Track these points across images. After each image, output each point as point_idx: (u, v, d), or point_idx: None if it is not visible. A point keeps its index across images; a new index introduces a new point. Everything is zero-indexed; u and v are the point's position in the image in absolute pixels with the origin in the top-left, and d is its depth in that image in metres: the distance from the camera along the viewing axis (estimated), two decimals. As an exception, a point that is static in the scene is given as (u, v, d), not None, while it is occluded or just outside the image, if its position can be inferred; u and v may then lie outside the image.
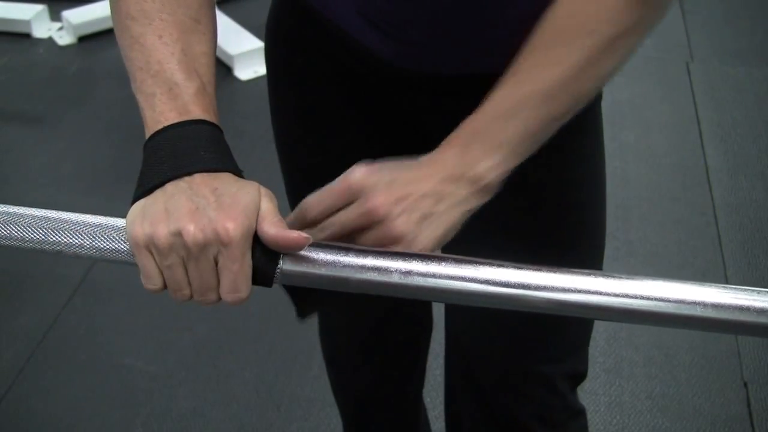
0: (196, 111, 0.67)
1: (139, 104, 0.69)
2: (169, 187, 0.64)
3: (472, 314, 0.98)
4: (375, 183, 0.68)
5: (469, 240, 0.92)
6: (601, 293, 0.61)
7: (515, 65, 0.72)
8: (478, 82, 0.84)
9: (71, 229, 0.66)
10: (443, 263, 0.63)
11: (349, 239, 0.68)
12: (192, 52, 0.70)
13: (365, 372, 1.21)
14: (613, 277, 0.61)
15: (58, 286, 1.97)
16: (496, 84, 0.73)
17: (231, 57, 2.75)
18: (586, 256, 0.94)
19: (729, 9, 3.18)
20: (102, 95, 2.68)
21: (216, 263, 0.63)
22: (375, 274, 0.63)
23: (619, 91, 2.62)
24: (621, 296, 0.60)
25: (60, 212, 0.68)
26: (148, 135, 0.67)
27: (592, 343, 1.04)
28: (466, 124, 0.72)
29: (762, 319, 0.58)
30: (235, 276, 0.63)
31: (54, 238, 0.66)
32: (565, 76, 0.70)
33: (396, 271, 0.63)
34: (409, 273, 0.63)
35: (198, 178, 0.64)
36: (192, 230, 0.61)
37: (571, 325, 0.97)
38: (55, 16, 3.03)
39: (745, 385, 1.73)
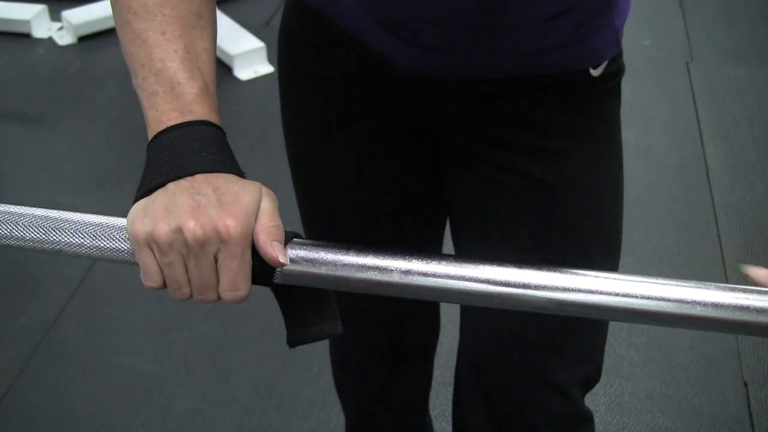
0: (199, 111, 0.67)
1: (141, 101, 0.69)
2: (171, 186, 0.64)
3: (484, 320, 0.97)
4: None
5: (485, 246, 0.92)
6: (601, 293, 0.61)
7: None
8: (496, 87, 0.84)
9: (71, 229, 0.66)
10: (444, 262, 0.63)
11: None
12: (195, 49, 0.70)
13: (374, 376, 1.20)
14: (613, 276, 0.61)
15: (58, 286, 1.97)
16: None
17: (231, 57, 2.75)
18: (600, 266, 0.93)
19: (729, 9, 3.18)
20: (102, 95, 2.68)
21: (216, 261, 0.63)
22: (375, 274, 0.63)
23: (619, 91, 2.61)
24: (621, 296, 0.60)
25: (60, 211, 0.68)
26: (150, 135, 0.67)
27: (592, 342, 1.03)
28: None
29: (762, 319, 0.58)
30: (235, 274, 0.63)
31: (54, 238, 0.66)
32: None
33: (396, 270, 0.63)
34: (409, 272, 0.63)
35: (200, 177, 0.64)
36: (192, 227, 0.61)
37: (585, 331, 0.95)
38: (55, 16, 3.03)
39: (745, 385, 1.73)
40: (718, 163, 2.37)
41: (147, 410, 1.68)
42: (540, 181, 0.87)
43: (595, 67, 0.84)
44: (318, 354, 1.78)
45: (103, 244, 0.66)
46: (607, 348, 1.03)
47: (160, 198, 0.64)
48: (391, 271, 0.63)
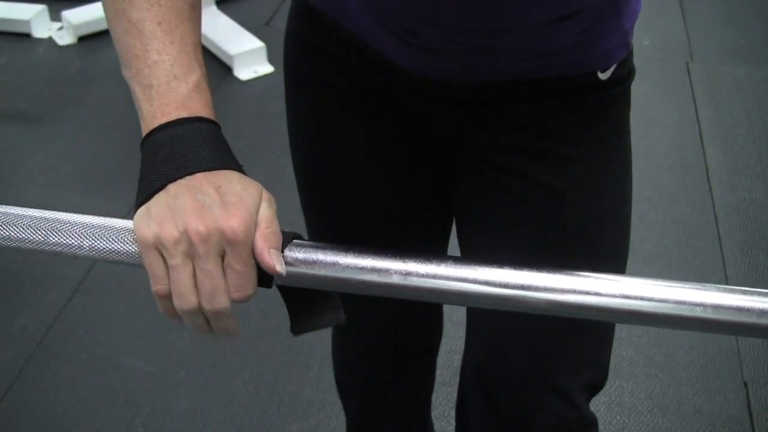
0: (195, 107, 0.66)
1: (134, 93, 0.68)
2: (172, 187, 0.63)
3: (490, 324, 0.96)
4: None
5: (490, 250, 0.91)
6: (600, 294, 0.60)
7: None
8: (502, 90, 0.82)
9: (70, 230, 0.66)
10: (443, 264, 0.63)
11: None
12: (190, 41, 0.69)
13: (376, 380, 1.20)
14: (613, 278, 0.61)
15: (58, 286, 1.97)
16: None
17: (231, 57, 2.75)
18: (607, 272, 0.91)
19: (729, 9, 3.18)
20: (102, 95, 2.68)
21: (222, 262, 0.62)
22: (374, 276, 0.63)
23: (619, 91, 2.62)
24: (620, 297, 0.60)
25: (59, 213, 0.68)
26: (145, 130, 0.66)
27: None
28: None
29: (762, 321, 0.58)
30: (241, 276, 0.63)
31: (53, 239, 0.66)
32: None
33: (395, 272, 0.63)
34: (408, 274, 0.63)
35: (200, 176, 0.64)
36: (198, 228, 0.61)
37: (590, 336, 0.94)
38: (55, 16, 3.03)
39: (745, 385, 1.73)
40: (718, 163, 2.37)
41: (147, 410, 1.68)
42: (546, 185, 0.85)
43: (603, 71, 0.82)
44: (318, 354, 1.78)
45: (102, 245, 0.66)
46: (607, 348, 1.02)
47: (162, 200, 0.63)
48: (390, 272, 0.63)
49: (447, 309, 1.22)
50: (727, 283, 1.98)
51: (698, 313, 0.58)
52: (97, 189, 2.27)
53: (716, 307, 0.58)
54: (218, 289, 0.63)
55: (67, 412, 1.69)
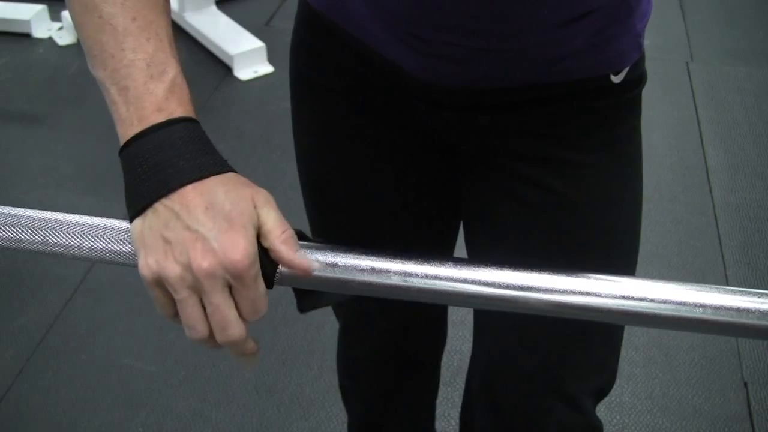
0: (171, 107, 0.64)
1: (108, 94, 0.65)
2: (161, 208, 0.61)
3: (498, 329, 0.95)
4: None
5: (498, 255, 0.90)
6: (600, 295, 0.60)
7: None
8: (511, 96, 0.81)
9: (69, 231, 0.66)
10: (443, 265, 0.63)
11: None
12: (165, 36, 0.66)
13: (381, 384, 1.19)
14: (613, 279, 0.61)
15: (58, 286, 1.97)
16: None
17: (231, 57, 2.75)
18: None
19: (729, 9, 3.18)
20: (102, 95, 2.67)
21: (230, 288, 0.61)
22: (375, 277, 0.63)
23: (619, 91, 2.62)
24: (620, 298, 0.60)
25: (58, 213, 0.67)
26: (122, 137, 0.64)
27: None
28: None
29: (763, 322, 0.57)
30: (253, 299, 0.62)
31: (53, 240, 0.66)
32: None
33: (396, 273, 0.63)
34: (408, 275, 0.63)
35: (187, 194, 0.61)
36: (201, 265, 0.59)
37: (599, 342, 0.93)
38: (55, 16, 3.03)
39: (745, 385, 1.73)
40: (718, 163, 2.37)
41: (147, 410, 1.68)
42: (556, 192, 0.84)
43: (616, 73, 0.81)
44: (318, 354, 1.78)
45: (102, 245, 0.65)
46: (606, 348, 1.02)
47: (154, 227, 0.61)
48: (391, 273, 0.63)
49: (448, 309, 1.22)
50: (727, 284, 1.98)
51: (699, 314, 0.58)
52: (97, 189, 2.27)
53: (717, 308, 0.58)
54: (228, 319, 0.62)
55: (67, 412, 1.69)
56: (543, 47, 0.76)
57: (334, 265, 0.63)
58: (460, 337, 1.74)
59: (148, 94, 0.63)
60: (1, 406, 1.69)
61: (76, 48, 2.93)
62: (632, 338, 1.82)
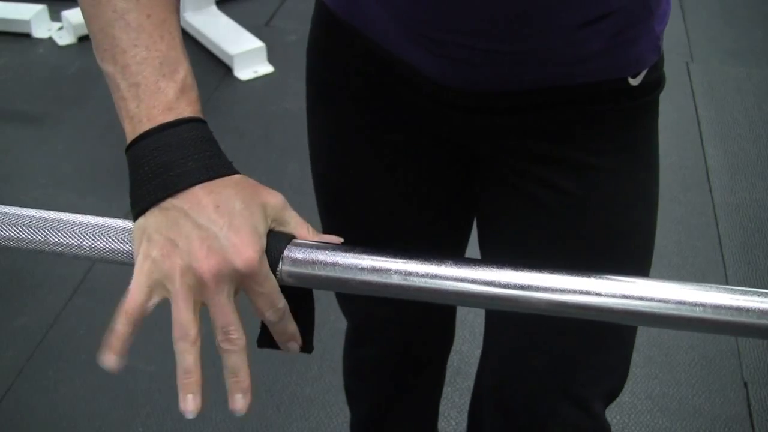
0: (181, 107, 0.63)
1: (117, 90, 0.64)
2: (168, 206, 0.60)
3: (509, 331, 0.94)
4: None
5: (511, 257, 0.89)
6: (600, 294, 0.60)
7: None
8: (529, 98, 0.80)
9: (70, 230, 0.66)
10: (443, 264, 0.63)
11: None
12: (177, 35, 0.65)
13: (387, 386, 1.19)
14: (612, 278, 0.61)
15: (58, 286, 1.97)
16: None
17: (231, 57, 2.75)
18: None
19: (729, 9, 3.18)
20: (102, 95, 2.67)
21: (235, 291, 0.61)
22: (375, 276, 0.63)
23: (619, 91, 2.62)
24: (620, 297, 0.60)
25: (59, 213, 0.67)
26: (129, 135, 0.63)
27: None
28: None
29: (762, 321, 0.57)
30: (269, 294, 0.62)
31: (53, 239, 0.66)
32: None
33: (396, 272, 0.63)
34: (408, 274, 0.63)
35: (196, 193, 0.60)
36: (207, 266, 0.59)
37: (611, 344, 0.92)
38: (55, 16, 3.03)
39: (745, 385, 1.73)
40: (718, 163, 2.37)
41: (147, 410, 1.68)
42: (572, 195, 0.83)
43: (634, 76, 0.80)
44: (318, 354, 1.78)
45: (103, 245, 0.66)
46: (606, 348, 1.02)
47: (160, 224, 0.60)
48: (391, 272, 0.63)
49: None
50: (727, 283, 1.98)
51: (698, 313, 0.58)
52: (97, 189, 2.27)
53: (716, 308, 0.58)
54: (232, 320, 0.62)
55: (67, 412, 1.69)
56: (561, 49, 0.75)
57: (335, 264, 0.63)
58: (460, 338, 1.74)
59: (159, 92, 0.63)
60: (1, 406, 1.69)
61: (76, 48, 2.94)
62: (632, 338, 1.82)
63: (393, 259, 0.63)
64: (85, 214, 0.68)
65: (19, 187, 2.30)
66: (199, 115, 0.65)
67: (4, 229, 0.66)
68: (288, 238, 0.64)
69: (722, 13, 3.15)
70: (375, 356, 1.15)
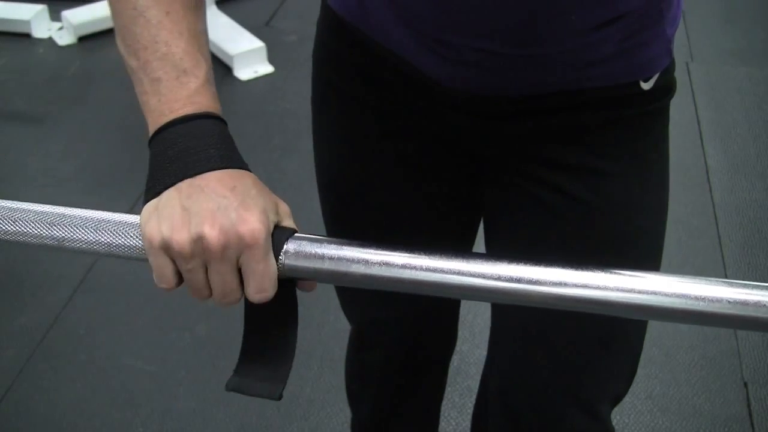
0: (202, 102, 0.65)
1: (140, 85, 0.66)
2: (184, 186, 0.62)
3: (517, 333, 0.93)
4: None
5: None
6: (600, 288, 0.60)
7: None
8: (540, 103, 0.79)
9: (73, 224, 0.66)
10: (444, 257, 0.63)
11: None
12: (196, 32, 0.67)
13: (390, 388, 1.19)
14: (612, 271, 0.61)
15: (58, 286, 1.97)
16: None
17: (231, 57, 2.75)
18: None
19: (729, 9, 3.18)
20: (102, 95, 2.68)
21: (238, 263, 0.62)
22: (376, 268, 0.63)
23: (619, 91, 2.62)
24: (620, 290, 0.60)
25: (63, 207, 0.68)
26: (152, 126, 0.65)
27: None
28: None
29: (762, 314, 0.58)
30: (261, 276, 0.62)
31: (56, 233, 0.66)
32: None
33: (397, 265, 0.63)
34: (410, 267, 0.63)
35: (213, 176, 0.62)
36: (215, 235, 0.59)
37: (620, 350, 0.91)
38: (55, 16, 3.04)
39: (745, 385, 1.73)
40: (718, 163, 2.37)
41: (147, 410, 1.68)
42: (581, 200, 0.82)
43: (646, 80, 0.79)
44: (318, 354, 1.78)
45: (107, 239, 0.65)
46: (606, 348, 1.01)
47: (173, 198, 0.62)
48: (392, 265, 0.63)
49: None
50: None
51: (699, 306, 0.58)
52: (97, 189, 2.27)
53: (716, 300, 0.58)
54: (231, 288, 0.62)
55: (67, 412, 1.69)
56: (573, 53, 0.74)
57: (336, 257, 0.64)
58: (460, 338, 1.73)
59: (180, 87, 0.64)
60: (1, 406, 1.69)
61: (76, 48, 2.94)
62: (632, 338, 1.82)
63: (394, 252, 0.63)
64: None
65: (19, 187, 2.30)
66: (218, 112, 0.66)
67: (8, 224, 0.67)
68: (291, 231, 0.65)
69: (722, 13, 3.15)
70: (378, 361, 1.15)
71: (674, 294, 0.59)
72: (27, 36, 2.99)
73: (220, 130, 0.65)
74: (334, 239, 0.65)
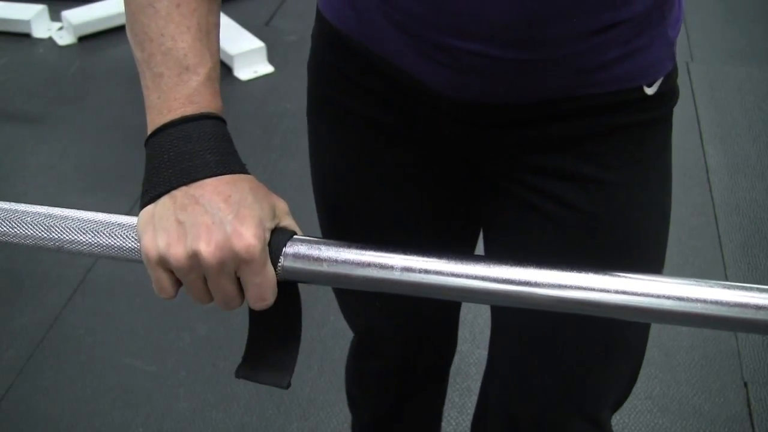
0: (202, 101, 0.64)
1: (143, 78, 0.65)
2: (179, 195, 0.61)
3: (518, 341, 0.92)
4: None
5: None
6: (600, 290, 0.60)
7: None
8: (540, 110, 0.77)
9: (73, 226, 0.66)
10: (443, 260, 0.63)
11: None
12: (206, 26, 0.65)
13: (391, 396, 1.18)
14: (613, 273, 0.61)
15: (58, 286, 1.97)
16: None
17: (231, 57, 2.75)
18: None
19: (729, 9, 3.18)
20: (102, 95, 2.68)
21: (236, 274, 0.62)
22: (376, 270, 0.63)
23: (619, 91, 2.62)
24: (620, 293, 0.60)
25: (62, 209, 0.68)
26: (150, 126, 0.64)
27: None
28: None
29: (761, 316, 0.58)
30: (260, 287, 0.62)
31: (56, 236, 0.66)
32: None
33: (396, 267, 0.63)
34: (408, 270, 0.63)
35: (208, 184, 0.61)
36: (210, 252, 0.59)
37: (622, 360, 0.91)
38: (55, 16, 3.04)
39: (745, 385, 1.73)
40: (718, 163, 2.37)
41: (147, 410, 1.68)
42: (582, 210, 0.81)
43: (649, 85, 0.78)
44: (318, 354, 1.78)
45: (105, 241, 0.65)
46: (606, 348, 1.01)
47: (168, 209, 0.61)
48: (392, 268, 0.63)
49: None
50: (727, 283, 1.98)
51: (698, 308, 0.58)
52: (97, 189, 2.27)
53: (716, 303, 0.58)
54: (231, 297, 0.63)
55: (67, 412, 1.69)
56: (575, 57, 0.73)
57: (335, 260, 0.64)
58: (460, 338, 1.73)
59: (181, 84, 0.63)
60: (1, 406, 1.69)
61: (76, 48, 2.94)
62: (632, 338, 1.82)
63: (394, 254, 0.63)
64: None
65: (18, 187, 2.30)
66: (219, 112, 0.65)
67: (6, 226, 0.67)
68: (290, 234, 0.65)
69: (722, 13, 3.15)
70: (379, 369, 1.15)
71: (674, 296, 0.59)
72: (27, 36, 2.99)
73: (218, 131, 0.64)
74: (333, 242, 0.65)
